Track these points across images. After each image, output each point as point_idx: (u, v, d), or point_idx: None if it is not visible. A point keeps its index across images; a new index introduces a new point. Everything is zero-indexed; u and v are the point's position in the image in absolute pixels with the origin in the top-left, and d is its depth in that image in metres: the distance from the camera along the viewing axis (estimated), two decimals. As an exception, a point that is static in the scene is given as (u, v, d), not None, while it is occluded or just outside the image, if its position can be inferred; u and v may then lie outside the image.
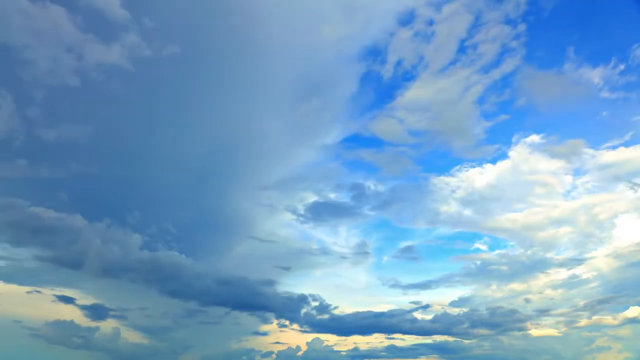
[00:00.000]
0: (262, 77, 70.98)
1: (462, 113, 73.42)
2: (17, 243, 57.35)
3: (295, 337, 65.67)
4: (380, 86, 75.10)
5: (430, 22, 70.77)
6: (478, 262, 72.85)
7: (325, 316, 66.21)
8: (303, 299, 66.12)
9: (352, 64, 73.73)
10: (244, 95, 71.11)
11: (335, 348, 65.63)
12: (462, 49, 71.39)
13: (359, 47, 73.31)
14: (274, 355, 64.46)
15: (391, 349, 66.13)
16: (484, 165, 74.73)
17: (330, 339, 66.16)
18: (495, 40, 70.37)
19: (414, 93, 72.49)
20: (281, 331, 65.60)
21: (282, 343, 65.11)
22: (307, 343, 65.35)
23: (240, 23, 66.51)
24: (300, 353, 64.91)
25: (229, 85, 69.73)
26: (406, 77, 73.36)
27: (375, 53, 73.75)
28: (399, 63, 72.85)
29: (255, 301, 64.67)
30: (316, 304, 66.37)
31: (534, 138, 72.38)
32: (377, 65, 74.32)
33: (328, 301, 66.61)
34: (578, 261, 68.65)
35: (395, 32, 72.04)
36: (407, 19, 71.53)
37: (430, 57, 71.87)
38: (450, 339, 66.58)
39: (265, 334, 65.78)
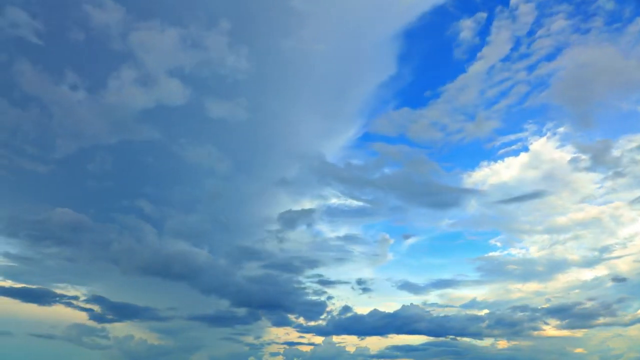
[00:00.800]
0: (306, 66, 70.37)
1: (500, 116, 70.69)
2: (39, 243, 58.09)
3: (308, 337, 65.85)
4: (417, 85, 74.16)
5: (493, 17, 67.95)
6: (495, 262, 72.22)
7: (343, 316, 66.25)
8: (323, 300, 66.38)
9: (392, 60, 71.98)
10: (285, 88, 71.07)
11: (347, 348, 65.73)
12: (516, 47, 68.90)
13: (403, 44, 71.50)
14: (281, 356, 64.83)
15: (404, 349, 66.17)
16: (506, 159, 73.78)
17: (345, 339, 66.19)
18: (557, 35, 67.91)
19: (452, 94, 70.94)
20: (297, 331, 65.80)
21: (295, 343, 65.36)
22: (318, 343, 65.51)
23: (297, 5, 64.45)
24: (309, 353, 65.22)
25: (274, 80, 69.51)
26: (448, 76, 72.22)
27: (421, 50, 72.24)
28: (447, 61, 71.36)
29: (275, 301, 64.94)
30: (337, 304, 66.53)
31: (563, 131, 71.53)
32: (416, 63, 72.88)
33: (345, 301, 66.81)
34: (597, 262, 68.33)
35: (458, 24, 69.85)
36: (469, 10, 69.21)
37: (484, 53, 69.65)
38: (465, 339, 66.56)
39: (280, 334, 65.93)
